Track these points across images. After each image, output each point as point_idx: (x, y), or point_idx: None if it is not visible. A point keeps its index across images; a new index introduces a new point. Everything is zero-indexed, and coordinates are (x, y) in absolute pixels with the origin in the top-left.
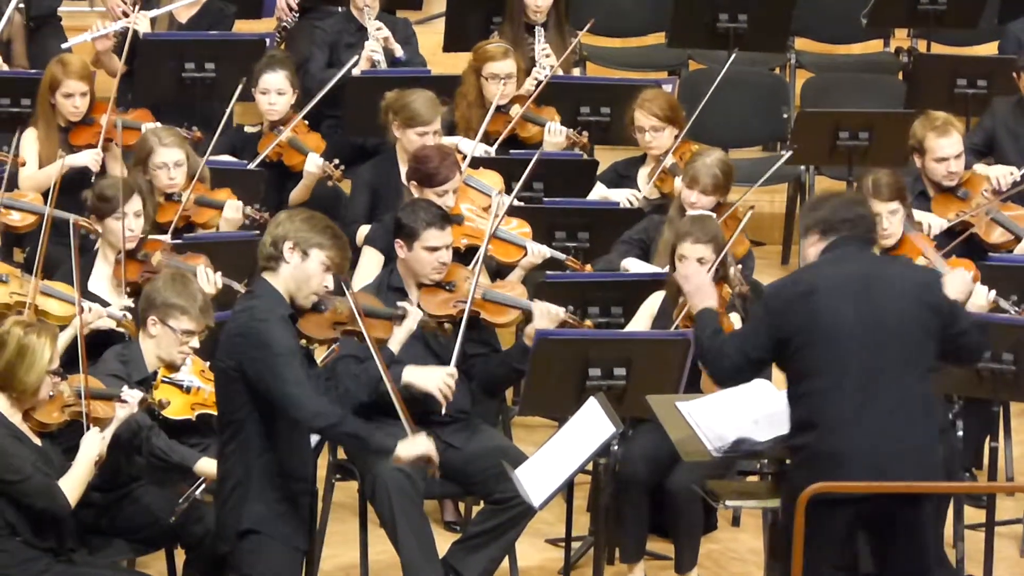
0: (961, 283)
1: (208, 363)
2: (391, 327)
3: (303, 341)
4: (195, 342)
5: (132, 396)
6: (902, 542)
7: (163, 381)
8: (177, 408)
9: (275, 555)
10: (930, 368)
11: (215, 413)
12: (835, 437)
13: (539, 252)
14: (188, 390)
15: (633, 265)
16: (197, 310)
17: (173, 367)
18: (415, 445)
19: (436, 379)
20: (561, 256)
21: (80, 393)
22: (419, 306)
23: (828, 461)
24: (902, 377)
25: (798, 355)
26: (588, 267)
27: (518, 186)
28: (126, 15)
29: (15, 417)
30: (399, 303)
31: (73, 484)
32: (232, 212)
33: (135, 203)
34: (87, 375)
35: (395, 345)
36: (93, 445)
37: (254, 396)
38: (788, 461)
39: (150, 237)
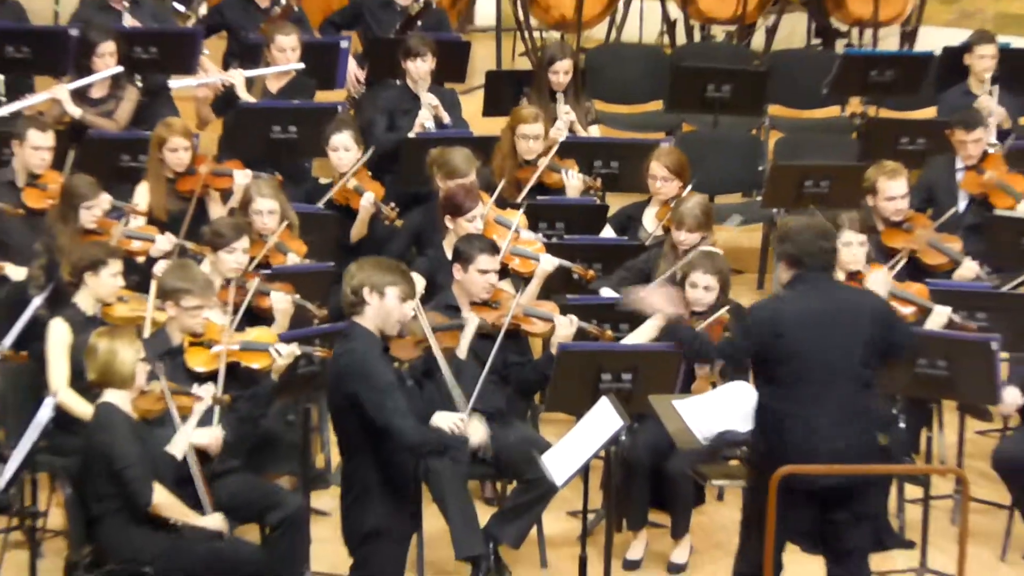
0: (880, 282)
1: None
2: (457, 335)
3: (395, 364)
4: (207, 312)
5: (204, 392)
6: (853, 507)
7: (191, 344)
8: (205, 362)
9: (390, 550)
10: (872, 379)
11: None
12: (797, 438)
13: (549, 261)
14: (211, 347)
15: (604, 292)
16: (198, 288)
17: (195, 334)
18: (477, 431)
19: (447, 420)
20: (569, 264)
21: (166, 390)
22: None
23: (801, 454)
24: (851, 390)
25: (767, 370)
26: (591, 272)
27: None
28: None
29: (126, 407)
30: (462, 315)
31: (163, 495)
32: (281, 303)
33: (244, 242)
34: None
35: (462, 351)
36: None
37: (366, 425)
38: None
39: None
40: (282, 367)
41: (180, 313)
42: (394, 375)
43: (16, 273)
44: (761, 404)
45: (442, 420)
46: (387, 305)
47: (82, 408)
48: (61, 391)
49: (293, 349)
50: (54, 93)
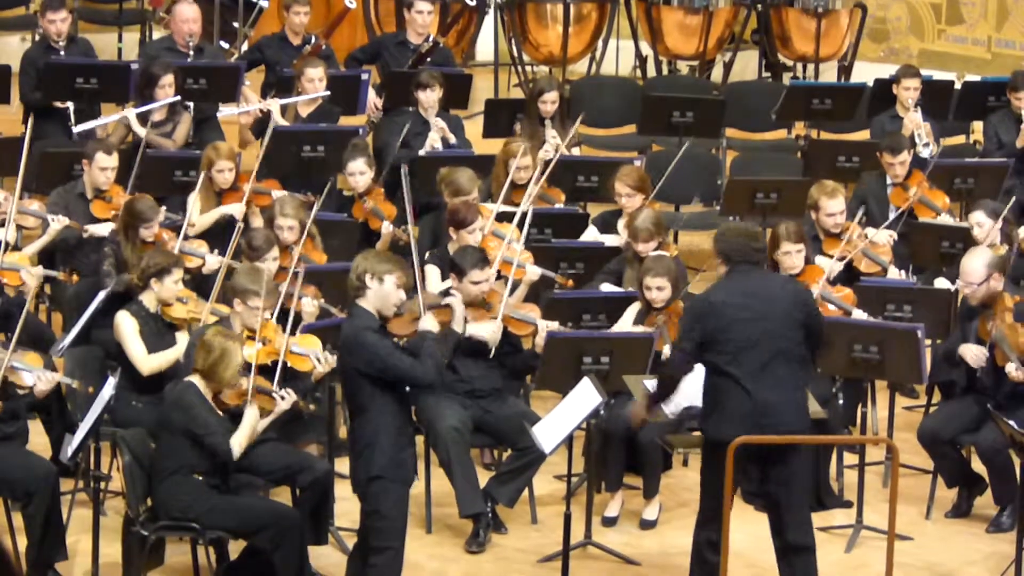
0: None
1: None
2: (447, 312)
3: (394, 339)
4: (267, 313)
5: (289, 394)
6: (780, 468)
7: (247, 339)
8: (257, 356)
9: (393, 492)
10: (803, 351)
11: (282, 360)
12: (739, 402)
13: (535, 271)
14: (264, 343)
15: (605, 288)
16: (264, 291)
17: (253, 330)
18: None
19: (489, 330)
20: (552, 274)
21: (256, 389)
22: (466, 320)
23: (737, 419)
24: (783, 359)
25: (710, 348)
26: (570, 282)
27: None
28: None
29: (207, 394)
30: (447, 297)
31: (240, 440)
32: (308, 307)
33: (275, 251)
34: (257, 376)
35: (458, 324)
36: (253, 420)
37: (374, 384)
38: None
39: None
40: (320, 374)
41: (244, 310)
42: (389, 341)
43: (103, 229)
44: (706, 379)
45: (482, 329)
46: (385, 289)
47: (171, 355)
48: (147, 362)
49: (333, 361)
50: (124, 115)
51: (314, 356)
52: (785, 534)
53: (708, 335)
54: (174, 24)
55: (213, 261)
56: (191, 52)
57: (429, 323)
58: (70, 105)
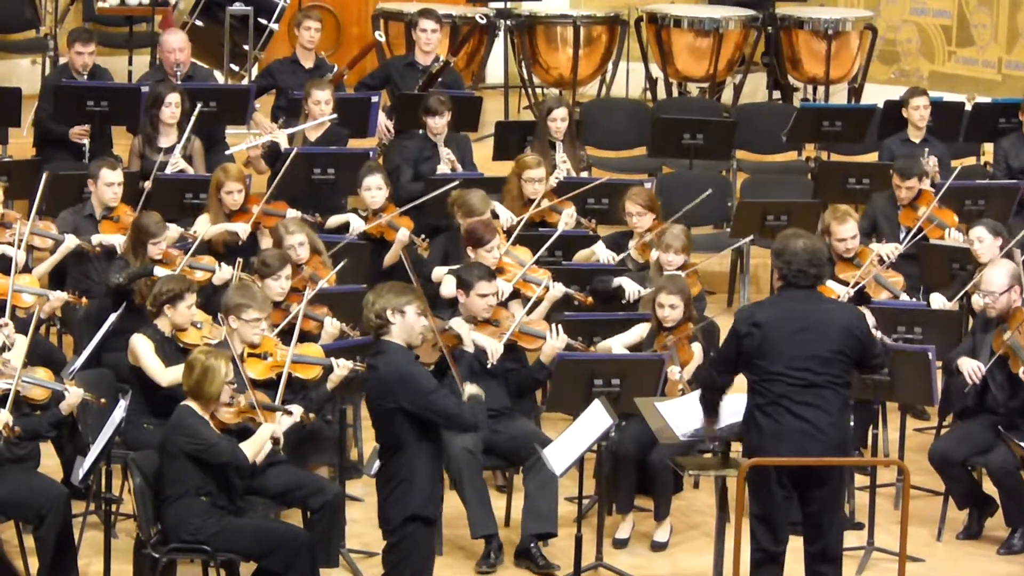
0: None
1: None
2: (451, 336)
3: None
4: (263, 325)
5: (296, 410)
6: (824, 490)
7: (249, 355)
8: (261, 371)
9: (424, 533)
10: (845, 381)
11: (291, 372)
12: (771, 428)
13: (559, 288)
14: (266, 358)
15: (626, 282)
16: (258, 303)
17: (253, 345)
18: (474, 390)
19: (491, 342)
20: (572, 291)
21: (254, 404)
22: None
23: (776, 443)
24: (823, 387)
25: (749, 364)
26: (589, 299)
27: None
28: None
29: (203, 415)
30: (449, 322)
31: (251, 447)
32: (330, 328)
33: (287, 270)
34: (254, 391)
35: (469, 345)
36: (268, 431)
37: (412, 423)
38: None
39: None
40: (338, 378)
41: (241, 325)
42: (432, 378)
43: (112, 240)
44: (748, 397)
45: (485, 340)
46: (409, 321)
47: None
48: (166, 374)
49: (348, 363)
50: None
51: (333, 362)
52: (822, 546)
53: (747, 354)
54: (162, 53)
55: (224, 272)
56: (178, 82)
57: (473, 390)
58: (86, 143)
